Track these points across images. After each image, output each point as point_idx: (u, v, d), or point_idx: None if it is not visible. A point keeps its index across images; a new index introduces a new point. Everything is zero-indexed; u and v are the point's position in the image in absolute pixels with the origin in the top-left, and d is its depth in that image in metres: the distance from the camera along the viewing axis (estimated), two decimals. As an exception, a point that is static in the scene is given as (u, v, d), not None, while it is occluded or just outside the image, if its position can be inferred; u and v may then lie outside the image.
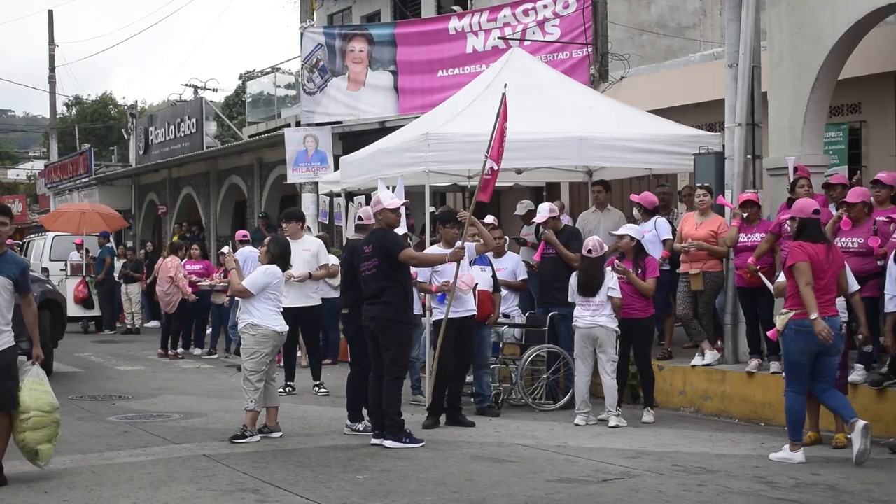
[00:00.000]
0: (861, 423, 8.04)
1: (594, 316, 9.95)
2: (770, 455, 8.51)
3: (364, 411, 9.61)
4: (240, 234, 16.39)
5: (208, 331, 17.47)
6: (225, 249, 15.15)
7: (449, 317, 9.85)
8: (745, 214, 10.41)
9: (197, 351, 17.07)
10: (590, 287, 9.95)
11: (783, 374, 9.86)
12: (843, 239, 9.33)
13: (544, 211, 11.48)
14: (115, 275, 21.68)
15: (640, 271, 10.30)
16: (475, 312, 10.18)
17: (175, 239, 22.01)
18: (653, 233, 11.78)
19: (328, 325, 13.39)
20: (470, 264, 10.72)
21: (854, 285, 8.82)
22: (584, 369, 10.09)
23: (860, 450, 8.00)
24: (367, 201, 13.84)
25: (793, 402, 8.33)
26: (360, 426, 9.55)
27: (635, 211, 12.28)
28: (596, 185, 13.21)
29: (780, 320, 8.33)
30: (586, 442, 9.16)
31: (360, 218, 10.13)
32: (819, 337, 7.95)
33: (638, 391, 10.95)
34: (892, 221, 9.37)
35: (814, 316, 7.95)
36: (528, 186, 16.51)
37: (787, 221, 8.79)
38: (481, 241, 10.17)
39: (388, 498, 7.09)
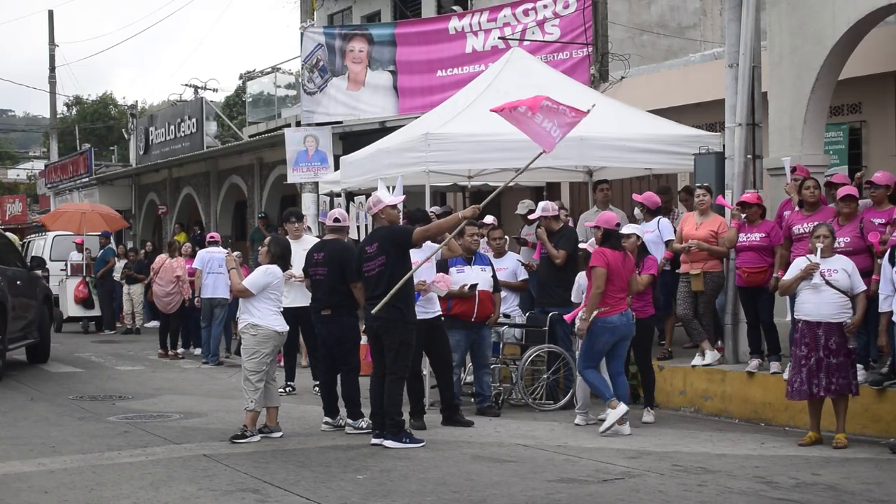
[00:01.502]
0: (623, 408, 9.36)
1: None
2: (601, 428, 9.43)
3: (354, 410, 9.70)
4: (209, 235, 17.21)
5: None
6: (221, 249, 15.41)
7: (417, 318, 9.66)
8: (743, 216, 10.41)
9: (197, 351, 17.06)
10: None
11: (782, 374, 9.91)
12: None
13: (538, 210, 11.52)
14: (117, 275, 21.67)
15: (638, 270, 10.31)
16: (440, 312, 10.14)
17: (182, 238, 22.01)
18: (656, 233, 11.78)
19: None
20: (470, 264, 10.74)
21: (859, 286, 8.84)
22: None
23: (606, 426, 9.36)
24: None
25: (592, 376, 9.58)
26: (363, 423, 9.55)
27: (637, 211, 12.27)
28: (603, 183, 13.21)
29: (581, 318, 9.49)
30: (586, 442, 9.15)
31: (336, 220, 10.11)
32: (578, 333, 9.52)
33: (638, 391, 10.94)
34: (889, 223, 9.39)
35: (591, 316, 9.34)
36: (528, 186, 16.51)
37: (593, 229, 9.85)
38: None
39: (388, 498, 7.09)
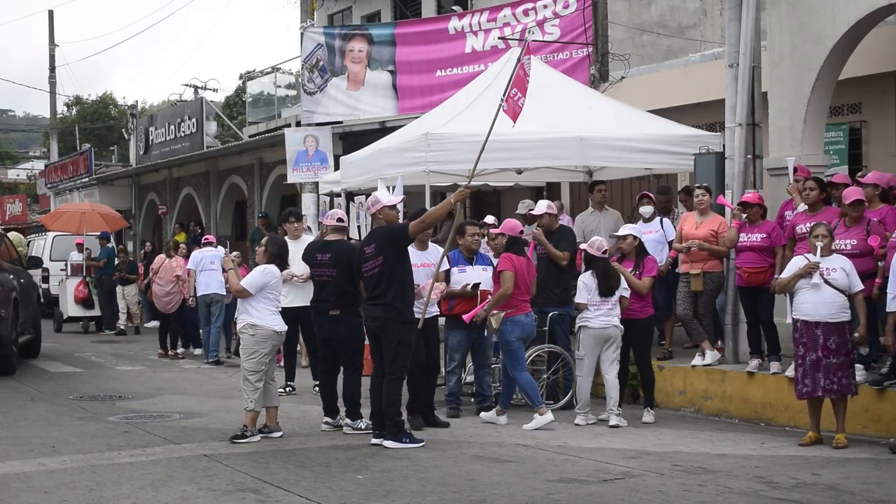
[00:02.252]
0: (549, 416, 9.83)
1: (609, 316, 9.96)
2: (523, 426, 9.75)
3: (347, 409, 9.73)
4: (204, 238, 17.48)
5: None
6: (220, 249, 15.48)
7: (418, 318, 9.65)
8: (744, 215, 10.40)
9: (197, 351, 17.07)
10: (609, 287, 9.97)
11: (783, 374, 9.92)
12: (837, 241, 9.33)
13: (542, 206, 11.50)
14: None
15: (638, 272, 10.31)
16: (437, 312, 10.19)
17: (181, 238, 22.00)
18: (660, 233, 11.79)
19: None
20: (472, 264, 10.74)
21: (857, 286, 8.84)
22: (592, 369, 10.09)
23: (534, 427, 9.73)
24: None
25: (524, 379, 10.05)
26: (362, 424, 9.55)
27: (643, 209, 12.23)
28: (600, 184, 13.22)
29: (494, 319, 9.91)
30: (586, 442, 9.16)
31: (340, 219, 10.11)
32: (491, 330, 9.93)
33: (638, 391, 10.95)
34: (882, 222, 9.39)
35: (494, 313, 9.80)
36: (528, 186, 16.52)
37: (497, 235, 10.37)
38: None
39: (388, 498, 7.09)
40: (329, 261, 9.73)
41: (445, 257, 10.08)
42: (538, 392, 10.10)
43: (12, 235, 23.03)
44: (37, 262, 18.86)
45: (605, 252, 10.13)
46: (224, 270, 12.61)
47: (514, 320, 9.95)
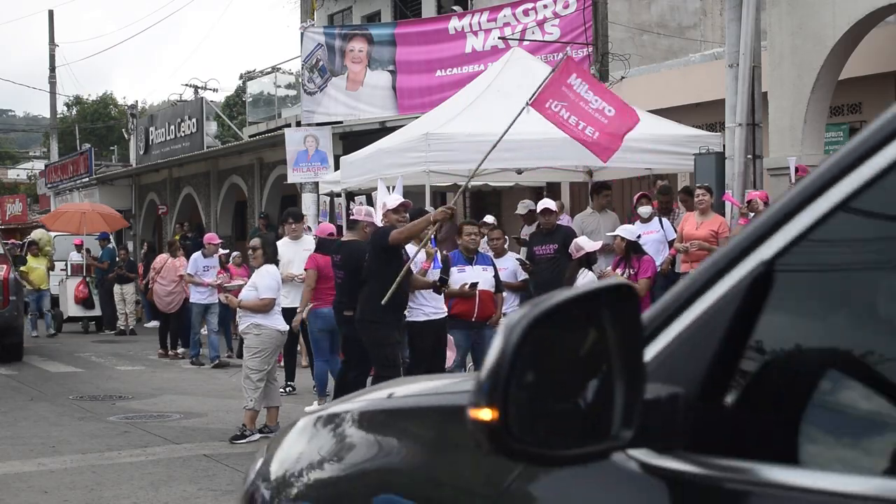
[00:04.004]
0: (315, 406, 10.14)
1: None
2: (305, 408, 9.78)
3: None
4: (208, 237, 17.23)
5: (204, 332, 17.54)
6: (223, 298, 15.35)
7: (429, 319, 9.65)
8: (752, 214, 10.38)
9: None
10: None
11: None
12: None
13: (544, 203, 11.53)
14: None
15: (633, 272, 10.26)
16: (446, 312, 10.16)
17: (176, 238, 22.01)
18: (660, 233, 11.77)
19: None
20: (472, 264, 10.73)
21: None
22: None
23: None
24: (368, 201, 13.86)
25: (318, 367, 10.99)
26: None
27: (642, 209, 12.23)
28: (605, 189, 13.13)
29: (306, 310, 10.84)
30: (586, 442, 9.13)
31: (351, 214, 10.12)
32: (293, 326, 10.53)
33: (638, 391, 10.93)
34: None
35: (306, 310, 10.71)
36: (528, 186, 16.51)
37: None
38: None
39: (388, 498, 7.07)
40: (340, 262, 9.80)
41: (424, 252, 9.95)
42: (325, 385, 10.82)
43: (40, 233, 22.93)
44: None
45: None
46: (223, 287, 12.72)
47: (318, 312, 10.63)
